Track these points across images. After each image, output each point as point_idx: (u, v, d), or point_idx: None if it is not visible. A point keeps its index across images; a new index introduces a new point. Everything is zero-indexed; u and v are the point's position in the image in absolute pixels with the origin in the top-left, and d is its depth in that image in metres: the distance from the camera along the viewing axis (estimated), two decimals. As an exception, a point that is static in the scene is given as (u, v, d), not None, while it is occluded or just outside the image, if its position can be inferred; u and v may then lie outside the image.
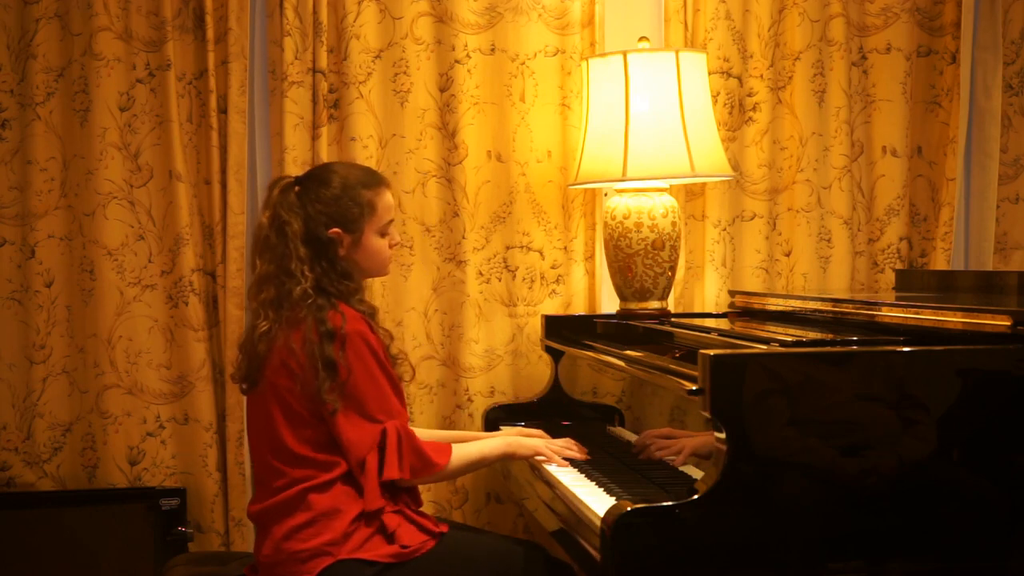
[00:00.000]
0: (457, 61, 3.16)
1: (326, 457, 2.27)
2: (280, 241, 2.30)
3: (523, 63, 3.22)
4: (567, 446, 2.56)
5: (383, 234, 2.39)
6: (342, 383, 2.22)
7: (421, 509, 2.37)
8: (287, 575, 2.24)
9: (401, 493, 2.32)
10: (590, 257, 3.29)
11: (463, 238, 3.18)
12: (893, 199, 3.37)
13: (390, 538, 2.25)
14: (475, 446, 2.45)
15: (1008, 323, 2.04)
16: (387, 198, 2.40)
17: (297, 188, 2.35)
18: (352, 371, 2.23)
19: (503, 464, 2.91)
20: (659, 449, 2.44)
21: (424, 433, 2.49)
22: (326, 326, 2.23)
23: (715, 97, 3.22)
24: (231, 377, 2.46)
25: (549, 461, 2.52)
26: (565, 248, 3.27)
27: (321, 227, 2.31)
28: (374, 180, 2.39)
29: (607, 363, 2.76)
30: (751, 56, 3.28)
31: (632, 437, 2.68)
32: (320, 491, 2.26)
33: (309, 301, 2.26)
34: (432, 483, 2.92)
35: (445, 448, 2.35)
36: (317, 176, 2.39)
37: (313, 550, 2.22)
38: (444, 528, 2.34)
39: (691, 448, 2.33)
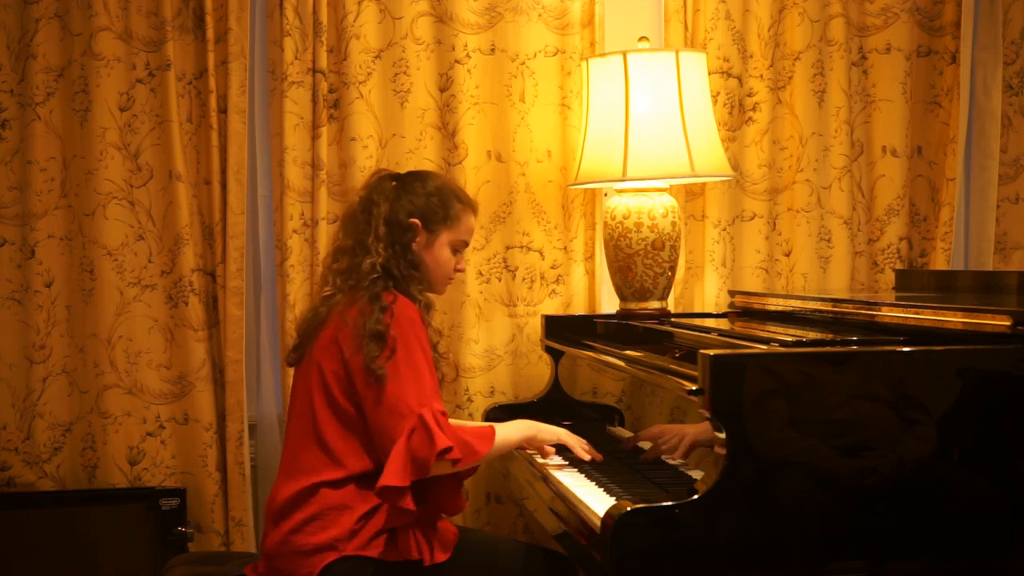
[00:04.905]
0: (457, 61, 3.16)
1: (349, 454, 2.27)
2: (364, 218, 2.40)
3: (523, 63, 3.22)
4: (582, 442, 2.53)
5: (454, 250, 2.46)
6: (388, 356, 2.23)
7: (437, 531, 2.32)
8: (291, 568, 2.24)
9: (432, 500, 2.29)
10: (590, 257, 3.29)
11: (463, 238, 3.18)
12: (893, 199, 3.37)
13: (394, 540, 2.25)
14: (498, 431, 2.38)
15: (1008, 323, 2.04)
16: (471, 221, 2.49)
17: (395, 182, 2.45)
18: (395, 352, 2.24)
19: (503, 464, 2.91)
20: (663, 444, 2.44)
21: None
22: (380, 302, 2.28)
23: (715, 97, 3.22)
24: (284, 359, 2.49)
25: (557, 465, 2.51)
26: (565, 248, 3.27)
27: (404, 213, 2.40)
28: (467, 200, 2.49)
29: (607, 363, 2.76)
30: (751, 56, 3.29)
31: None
32: (332, 487, 2.26)
33: (374, 276, 2.33)
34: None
35: (488, 435, 2.32)
36: (418, 174, 2.51)
37: (319, 545, 2.23)
38: (455, 538, 2.33)
39: (691, 438, 2.33)
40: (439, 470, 2.23)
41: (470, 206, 2.49)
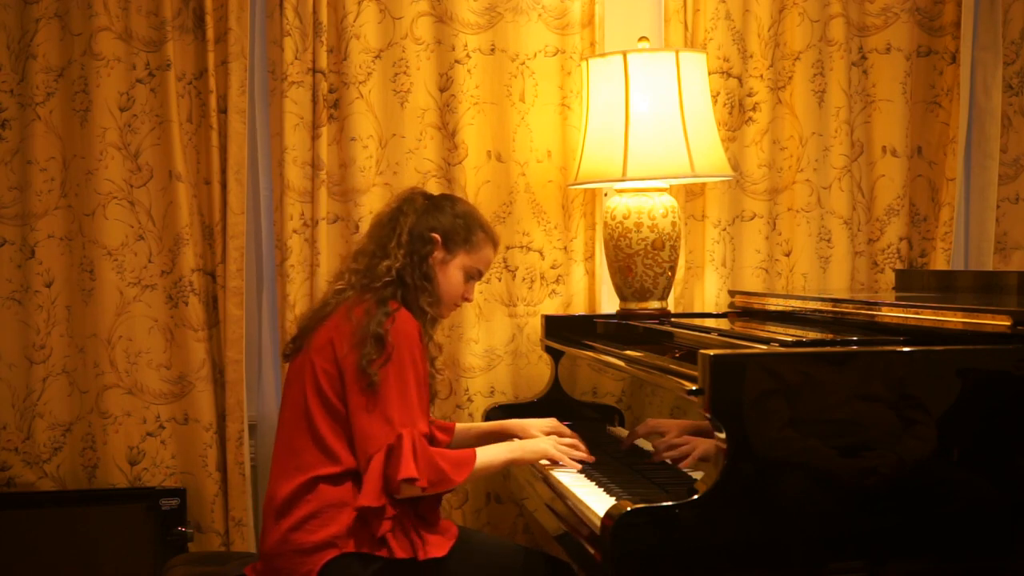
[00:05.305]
0: (457, 61, 3.16)
1: (344, 450, 2.28)
2: (390, 226, 2.47)
3: (523, 63, 3.22)
4: (574, 445, 2.53)
5: (468, 277, 2.51)
6: (382, 363, 2.25)
7: (433, 527, 2.33)
8: (291, 567, 2.25)
9: (411, 508, 2.29)
10: (590, 257, 3.29)
11: (463, 238, 3.18)
12: (893, 199, 3.37)
13: (393, 538, 2.25)
14: (480, 455, 2.38)
15: (1008, 323, 2.04)
16: (490, 253, 2.55)
17: (427, 200, 2.51)
18: (389, 361, 2.27)
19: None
20: (668, 451, 2.43)
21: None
22: (385, 307, 2.32)
23: (715, 97, 3.22)
24: (282, 351, 2.51)
25: (556, 466, 2.51)
26: (565, 248, 3.27)
27: (427, 228, 2.46)
28: (492, 233, 2.56)
29: (607, 363, 2.76)
30: (751, 56, 3.29)
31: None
32: (330, 482, 2.27)
33: (387, 279, 2.37)
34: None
35: (467, 461, 2.33)
36: (450, 197, 2.60)
37: (319, 543, 2.23)
38: (453, 537, 2.33)
39: (700, 452, 2.33)
40: (408, 493, 2.25)
41: (492, 239, 2.54)
